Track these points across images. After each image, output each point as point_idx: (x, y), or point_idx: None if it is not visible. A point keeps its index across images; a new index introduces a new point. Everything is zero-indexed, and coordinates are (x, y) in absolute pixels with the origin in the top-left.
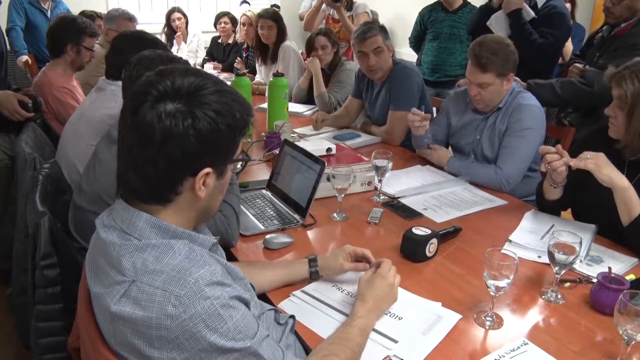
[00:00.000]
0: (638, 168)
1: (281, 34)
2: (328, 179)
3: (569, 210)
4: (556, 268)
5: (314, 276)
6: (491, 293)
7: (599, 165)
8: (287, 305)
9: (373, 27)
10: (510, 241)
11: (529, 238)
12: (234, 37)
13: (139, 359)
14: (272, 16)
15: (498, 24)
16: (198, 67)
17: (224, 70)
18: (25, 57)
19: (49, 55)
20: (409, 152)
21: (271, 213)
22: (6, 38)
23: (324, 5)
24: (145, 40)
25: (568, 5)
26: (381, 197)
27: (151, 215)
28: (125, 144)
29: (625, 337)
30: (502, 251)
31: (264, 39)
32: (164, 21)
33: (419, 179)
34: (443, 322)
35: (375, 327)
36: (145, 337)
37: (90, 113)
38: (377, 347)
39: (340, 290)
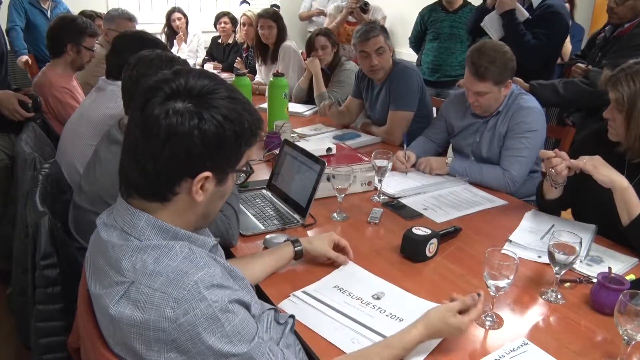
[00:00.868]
0: (638, 169)
1: (281, 34)
2: (328, 179)
3: (569, 210)
4: (556, 268)
5: (298, 255)
6: (491, 293)
7: (596, 167)
8: (287, 305)
9: (375, 27)
10: (510, 241)
11: (529, 238)
12: (234, 37)
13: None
14: (272, 16)
15: (492, 25)
16: (198, 67)
17: (224, 70)
18: (25, 57)
19: (49, 55)
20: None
21: (271, 213)
22: (6, 38)
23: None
24: (145, 40)
25: (567, 5)
26: (381, 197)
27: (152, 216)
28: (131, 138)
29: (625, 337)
30: (502, 251)
31: (264, 39)
32: (164, 21)
33: (419, 179)
34: None
35: (375, 329)
36: (144, 339)
37: (90, 113)
38: None
39: (341, 291)
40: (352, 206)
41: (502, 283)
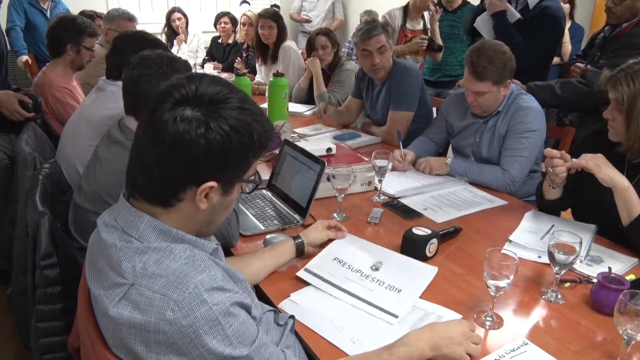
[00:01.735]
0: (638, 169)
1: (281, 34)
2: (328, 179)
3: (569, 210)
4: (556, 268)
5: (299, 249)
6: (491, 293)
7: (599, 165)
8: (287, 306)
9: (377, 26)
10: (510, 241)
11: (529, 238)
12: (234, 37)
13: None
14: (272, 16)
15: (484, 25)
16: (198, 67)
17: (224, 70)
18: (25, 57)
19: (48, 55)
20: None
21: (271, 213)
22: (6, 38)
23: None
24: (145, 40)
25: (567, 6)
26: (381, 197)
27: (153, 218)
28: (139, 140)
29: (625, 337)
30: (502, 251)
31: (264, 39)
32: (164, 21)
33: (419, 179)
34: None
35: (374, 302)
36: (143, 341)
37: (90, 113)
38: (380, 323)
39: (341, 264)
40: (352, 206)
41: (502, 283)
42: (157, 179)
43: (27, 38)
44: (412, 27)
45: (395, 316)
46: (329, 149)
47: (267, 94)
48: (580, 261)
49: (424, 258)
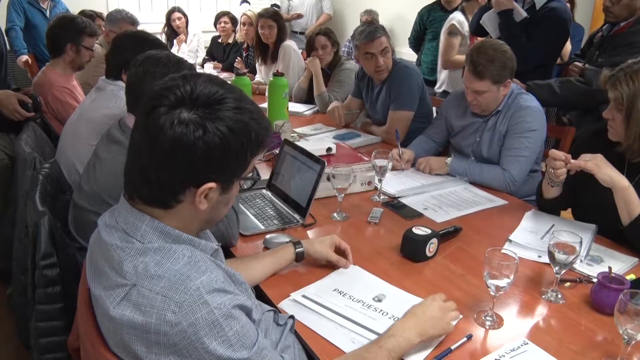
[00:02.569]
0: (638, 169)
1: (281, 34)
2: (328, 179)
3: (569, 210)
4: (556, 268)
5: (299, 257)
6: (491, 293)
7: (599, 166)
8: (287, 305)
9: (378, 28)
10: (511, 241)
11: (529, 238)
12: (234, 36)
13: None
14: (272, 16)
15: (490, 23)
16: (198, 67)
17: (224, 70)
18: (25, 57)
19: (48, 55)
20: None
21: (271, 213)
22: (6, 38)
23: None
24: (146, 40)
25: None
26: (381, 197)
27: (154, 219)
28: (135, 144)
29: (626, 337)
30: (502, 251)
31: (264, 39)
32: (164, 21)
33: (419, 179)
34: None
35: (374, 329)
36: (144, 342)
37: (90, 113)
38: None
39: (342, 294)
40: (352, 206)
41: (502, 283)
42: (156, 184)
43: (26, 38)
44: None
45: None
46: (329, 149)
47: (267, 94)
48: (581, 261)
49: (424, 258)
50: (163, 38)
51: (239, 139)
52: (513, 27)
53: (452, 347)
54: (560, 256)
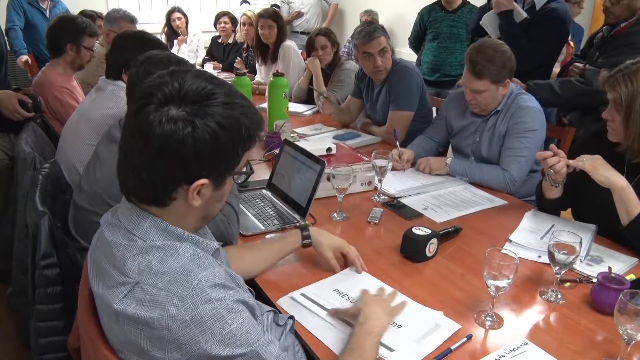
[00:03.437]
0: (638, 169)
1: (281, 34)
2: (328, 179)
3: (569, 210)
4: (556, 268)
5: (306, 245)
6: (491, 293)
7: (596, 167)
8: (287, 303)
9: (377, 28)
10: (510, 241)
11: (529, 238)
12: (234, 37)
13: (142, 357)
14: (272, 16)
15: (490, 23)
16: (198, 67)
17: (224, 70)
18: (25, 57)
19: (48, 55)
20: None
21: (271, 213)
22: (6, 38)
23: None
24: (146, 40)
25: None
26: (381, 197)
27: (156, 217)
28: (126, 143)
29: (625, 337)
30: (502, 251)
31: (264, 39)
32: (164, 21)
33: (419, 179)
34: (440, 330)
35: None
36: (148, 337)
37: (90, 113)
38: None
39: (341, 295)
40: (352, 206)
41: (502, 283)
42: (148, 182)
43: (26, 38)
44: None
45: (391, 350)
46: (329, 149)
47: (267, 94)
48: (580, 261)
49: (424, 258)
50: (163, 38)
51: (229, 134)
52: (513, 28)
53: (452, 347)
54: (560, 256)
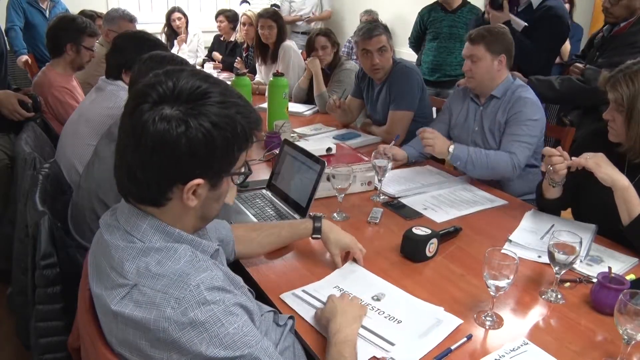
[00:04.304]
0: (639, 169)
1: (281, 34)
2: (328, 179)
3: (569, 210)
4: (556, 268)
5: (315, 237)
6: (491, 293)
7: (599, 164)
8: (289, 298)
9: (378, 26)
10: (510, 241)
11: (529, 238)
12: (235, 34)
13: (142, 358)
14: (272, 16)
15: None
16: (198, 67)
17: (224, 69)
18: (25, 57)
19: (48, 55)
20: None
21: (271, 213)
22: (5, 38)
23: None
24: (146, 40)
25: (567, 5)
26: (381, 197)
27: (155, 218)
28: (122, 143)
29: (625, 337)
30: (502, 251)
31: (264, 39)
32: (164, 21)
33: (419, 178)
34: (442, 326)
35: (373, 330)
36: (145, 338)
37: (90, 113)
38: (373, 349)
39: (341, 291)
40: (352, 206)
41: (502, 283)
42: (143, 182)
43: (26, 38)
44: None
45: (392, 344)
46: (329, 149)
47: (267, 94)
48: (580, 261)
49: (424, 258)
50: (163, 38)
51: (223, 133)
52: (515, 36)
53: (452, 347)
54: (560, 256)
